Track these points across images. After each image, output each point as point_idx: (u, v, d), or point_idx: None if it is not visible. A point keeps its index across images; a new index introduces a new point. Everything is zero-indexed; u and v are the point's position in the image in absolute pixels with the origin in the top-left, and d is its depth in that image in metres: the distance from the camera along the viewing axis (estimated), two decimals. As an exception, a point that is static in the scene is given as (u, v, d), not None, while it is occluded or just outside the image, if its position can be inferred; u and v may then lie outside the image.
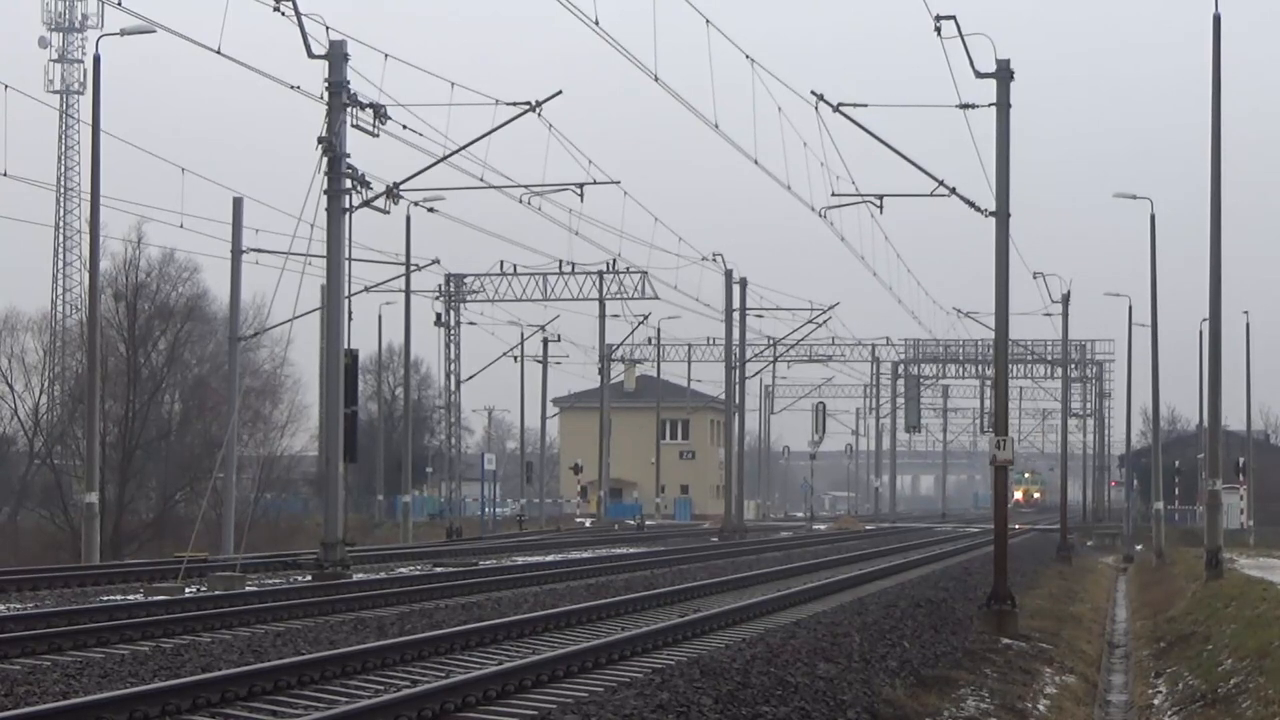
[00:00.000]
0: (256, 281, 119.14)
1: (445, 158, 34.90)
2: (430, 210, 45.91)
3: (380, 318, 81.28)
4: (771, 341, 77.90)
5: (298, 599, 25.29)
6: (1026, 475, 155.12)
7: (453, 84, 33.09)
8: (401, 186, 34.69)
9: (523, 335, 78.05)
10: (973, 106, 27.66)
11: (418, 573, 34.14)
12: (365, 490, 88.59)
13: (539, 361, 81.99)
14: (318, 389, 54.84)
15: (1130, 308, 69.20)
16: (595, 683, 16.30)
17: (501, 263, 67.04)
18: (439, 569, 35.47)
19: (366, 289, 51.32)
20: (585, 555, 45.08)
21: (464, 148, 34.64)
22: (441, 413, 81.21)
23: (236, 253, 47.70)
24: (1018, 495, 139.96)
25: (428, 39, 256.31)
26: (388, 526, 76.53)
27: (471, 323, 70.83)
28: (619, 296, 70.35)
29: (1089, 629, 30.61)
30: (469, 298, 69.44)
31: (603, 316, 78.79)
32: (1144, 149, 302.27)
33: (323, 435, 37.98)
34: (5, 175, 37.70)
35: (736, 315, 69.47)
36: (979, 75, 26.46)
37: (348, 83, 32.57)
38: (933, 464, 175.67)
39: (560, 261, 65.68)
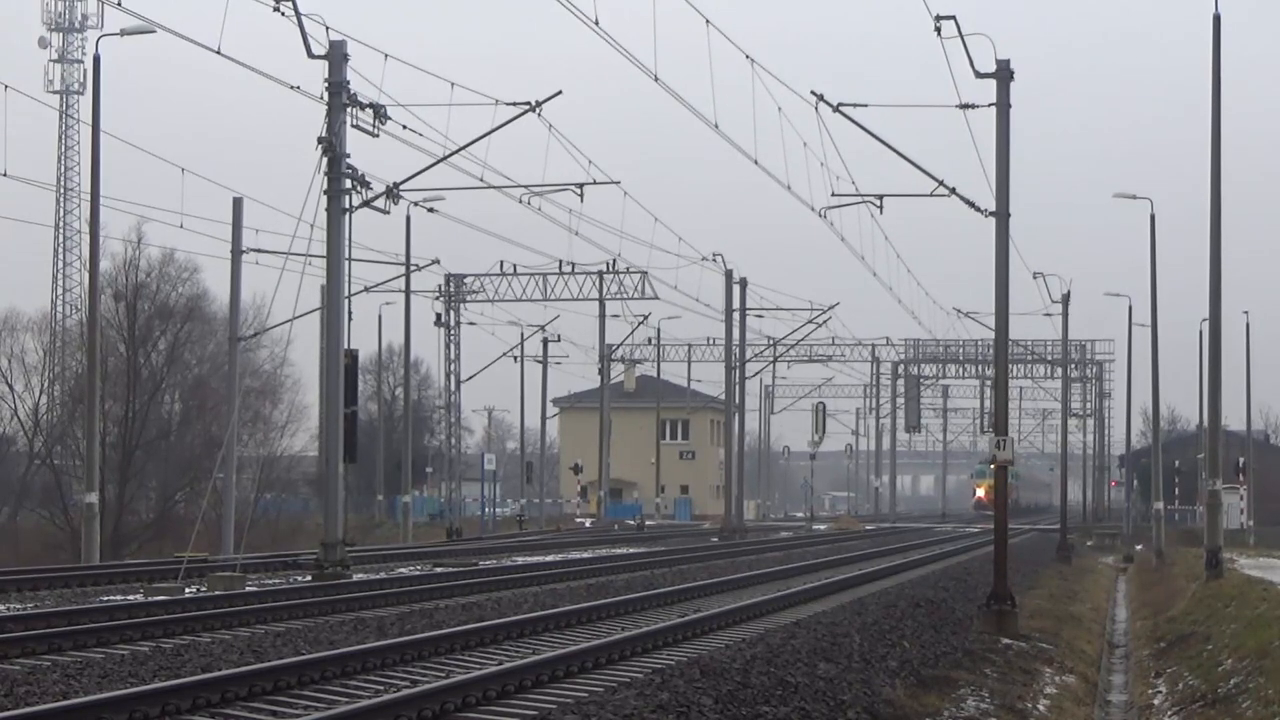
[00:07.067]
0: (256, 281, 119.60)
1: (445, 158, 34.91)
2: (430, 210, 45.94)
3: (380, 318, 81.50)
4: (771, 341, 77.91)
5: (298, 599, 25.27)
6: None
7: (453, 84, 33.15)
8: (401, 186, 34.70)
9: (523, 335, 78.12)
10: (973, 106, 27.66)
11: (418, 573, 34.11)
12: (365, 490, 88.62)
13: (539, 361, 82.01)
14: (318, 389, 54.93)
15: (1130, 308, 69.33)
16: (595, 683, 16.30)
17: (501, 263, 67.08)
18: (439, 569, 35.46)
19: (366, 289, 51.41)
20: (585, 555, 45.06)
21: (464, 148, 34.66)
22: (441, 413, 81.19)
23: (236, 253, 47.70)
24: (980, 493, 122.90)
25: (428, 38, 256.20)
26: (388, 527, 76.53)
27: (471, 323, 70.84)
28: (619, 296, 70.31)
29: (1089, 629, 30.60)
30: (469, 298, 69.38)
31: (603, 316, 78.86)
32: (1144, 149, 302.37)
33: (323, 435, 38.02)
34: (5, 175, 37.76)
35: (736, 315, 69.48)
36: (979, 75, 26.47)
37: (348, 83, 32.57)
38: (933, 464, 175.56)
39: (560, 261, 65.73)
